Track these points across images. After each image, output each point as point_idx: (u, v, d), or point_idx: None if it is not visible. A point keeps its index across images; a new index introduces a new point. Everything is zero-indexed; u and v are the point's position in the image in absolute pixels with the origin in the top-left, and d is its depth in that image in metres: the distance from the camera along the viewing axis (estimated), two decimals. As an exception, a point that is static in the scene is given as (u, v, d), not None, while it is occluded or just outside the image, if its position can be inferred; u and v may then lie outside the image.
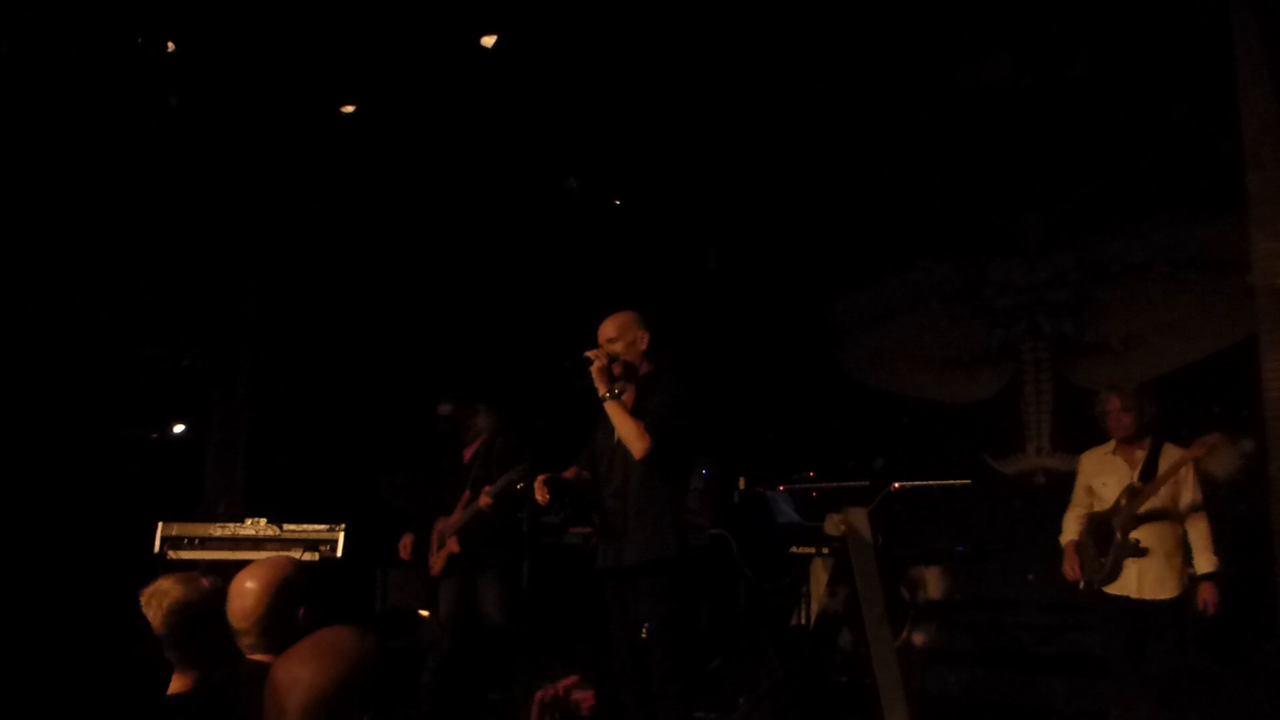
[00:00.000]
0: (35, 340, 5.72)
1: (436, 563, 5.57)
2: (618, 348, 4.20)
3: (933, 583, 6.36)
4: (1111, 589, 4.76)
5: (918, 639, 6.30)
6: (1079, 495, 5.07)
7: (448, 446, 5.87)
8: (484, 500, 5.33)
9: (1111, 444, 4.97)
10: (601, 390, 4.09)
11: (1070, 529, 5.01)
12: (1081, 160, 6.74)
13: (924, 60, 6.65)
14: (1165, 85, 6.15)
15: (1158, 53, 6.09)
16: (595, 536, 4.33)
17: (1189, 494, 4.73)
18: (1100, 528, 4.85)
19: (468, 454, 5.77)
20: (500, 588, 5.40)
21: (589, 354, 4.13)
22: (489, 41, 6.08)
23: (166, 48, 5.84)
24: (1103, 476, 4.94)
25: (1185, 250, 6.48)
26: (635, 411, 4.12)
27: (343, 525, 5.40)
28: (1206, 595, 4.59)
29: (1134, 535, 4.73)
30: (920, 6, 6.12)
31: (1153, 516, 4.75)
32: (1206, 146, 5.84)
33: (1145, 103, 6.32)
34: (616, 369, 4.19)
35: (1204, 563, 4.63)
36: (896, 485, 5.85)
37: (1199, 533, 4.68)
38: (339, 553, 5.32)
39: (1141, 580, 4.70)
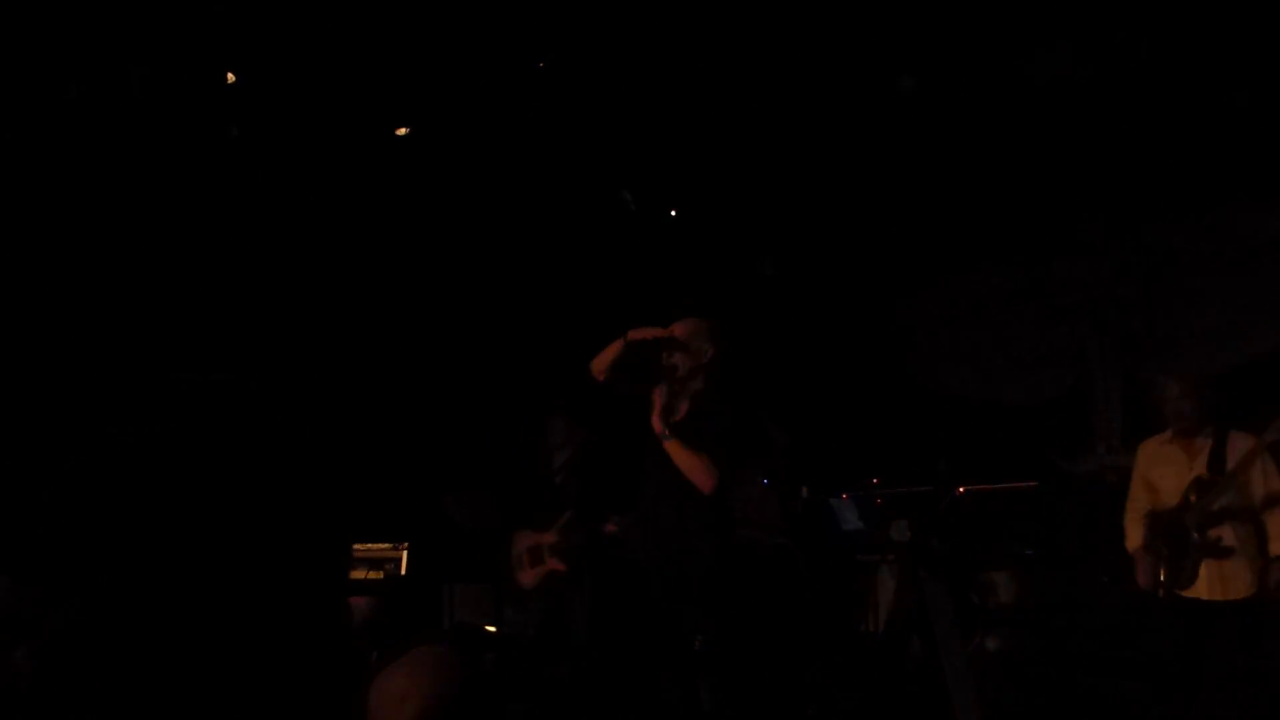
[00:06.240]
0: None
1: (529, 578, 5.52)
2: (679, 358, 4.16)
3: (1003, 587, 6.25)
4: (1188, 592, 4.49)
5: (990, 644, 6.20)
6: (1137, 491, 4.80)
7: (530, 459, 5.80)
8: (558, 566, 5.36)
9: (1170, 433, 4.69)
10: (659, 429, 4.00)
11: (1134, 533, 4.74)
12: (1143, 153, 6.60)
13: (981, 57, 6.56)
14: (1226, 72, 6.00)
15: (1217, 39, 5.95)
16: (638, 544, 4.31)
17: (1265, 485, 4.42)
18: (1170, 527, 4.57)
19: (555, 466, 5.69)
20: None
21: (651, 393, 4.06)
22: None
23: (226, 79, 6.00)
24: (1160, 468, 4.68)
25: (1255, 239, 6.32)
26: (687, 426, 4.05)
27: (406, 543, 5.46)
28: (1277, 576, 4.31)
29: (1212, 533, 4.45)
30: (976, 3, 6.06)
31: (1228, 511, 4.46)
32: (1272, 132, 5.69)
33: (1206, 91, 6.17)
34: (687, 374, 4.12)
35: (1278, 547, 4.35)
36: (962, 489, 5.78)
37: (1276, 520, 4.38)
38: (403, 571, 5.38)
39: (1211, 582, 4.44)
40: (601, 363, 4.14)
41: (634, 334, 4.10)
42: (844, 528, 6.44)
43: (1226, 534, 4.47)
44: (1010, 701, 6.06)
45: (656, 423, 4.02)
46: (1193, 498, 4.52)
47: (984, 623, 6.17)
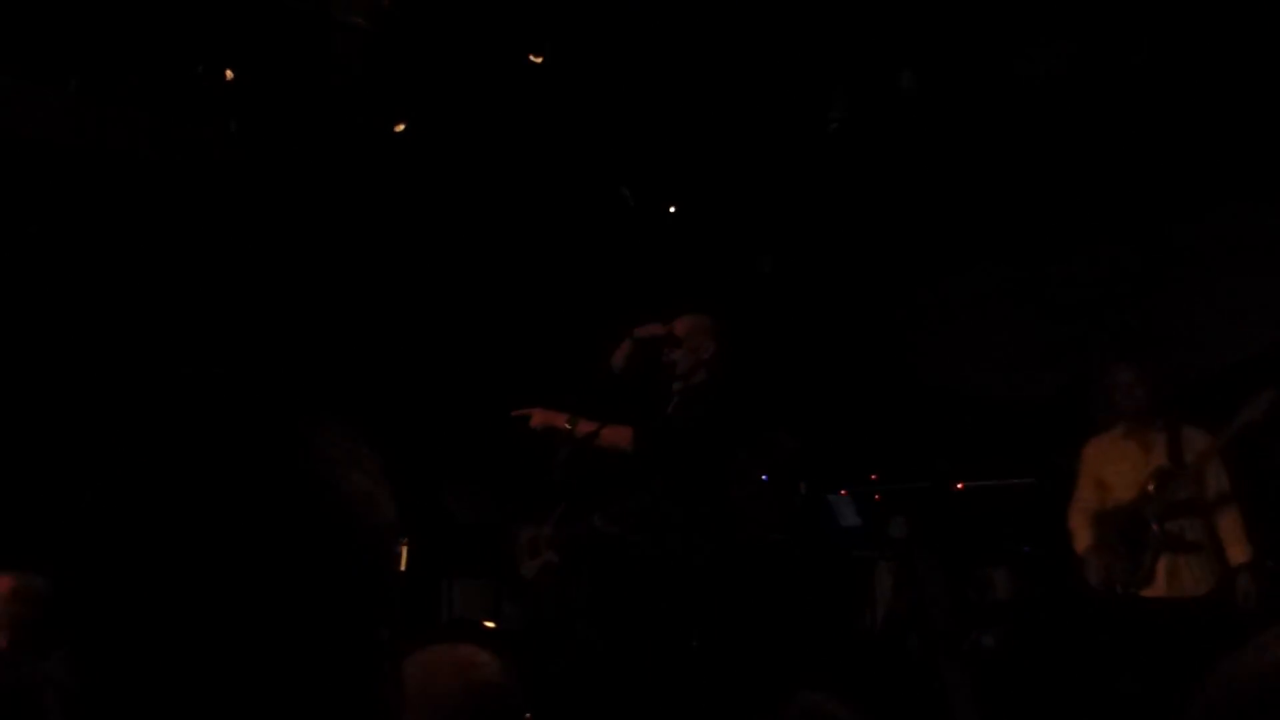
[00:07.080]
0: None
1: (530, 570, 5.56)
2: (680, 354, 4.18)
3: (1000, 583, 6.26)
4: (1146, 592, 4.42)
5: (987, 641, 6.21)
6: (1085, 491, 4.67)
7: (531, 454, 5.84)
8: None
9: (1120, 429, 4.58)
10: (561, 425, 4.15)
11: (1082, 534, 4.62)
12: (1144, 151, 6.60)
13: (981, 55, 6.56)
14: (1226, 71, 6.00)
15: (1217, 38, 5.95)
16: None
17: (1216, 482, 4.36)
18: (1126, 523, 4.46)
19: (555, 463, 5.73)
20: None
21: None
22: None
23: (225, 76, 6.01)
24: (1115, 465, 4.56)
25: (1255, 239, 6.32)
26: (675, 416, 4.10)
27: (405, 539, 5.45)
28: (1246, 586, 4.22)
29: (1172, 526, 4.35)
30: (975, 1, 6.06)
31: (1188, 505, 4.38)
32: (1272, 131, 5.69)
33: (1207, 90, 6.17)
34: (688, 370, 4.15)
35: (1239, 553, 4.27)
36: (960, 486, 5.79)
37: (1230, 522, 4.31)
38: (402, 566, 5.37)
39: (1173, 577, 4.36)
40: (618, 359, 4.19)
41: (640, 331, 4.15)
42: (842, 524, 6.45)
43: (1188, 528, 4.39)
44: (1007, 698, 6.08)
45: (582, 427, 4.16)
46: (1151, 488, 4.40)
47: (981, 619, 6.18)
